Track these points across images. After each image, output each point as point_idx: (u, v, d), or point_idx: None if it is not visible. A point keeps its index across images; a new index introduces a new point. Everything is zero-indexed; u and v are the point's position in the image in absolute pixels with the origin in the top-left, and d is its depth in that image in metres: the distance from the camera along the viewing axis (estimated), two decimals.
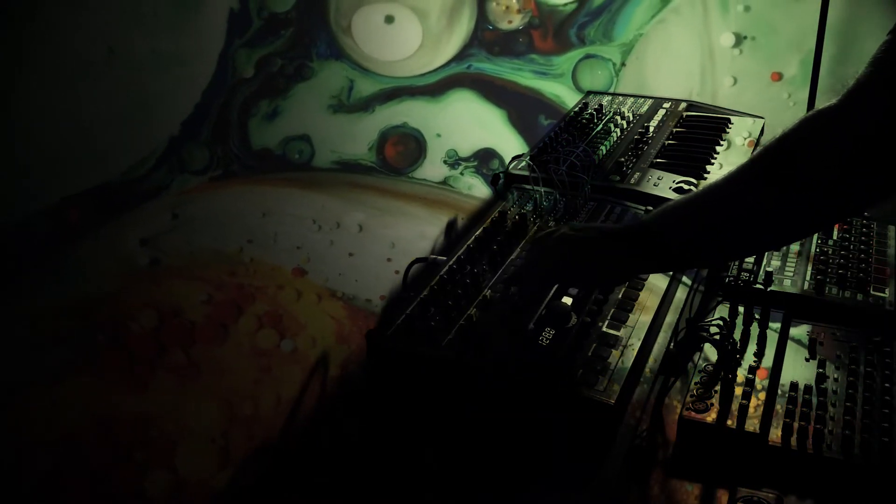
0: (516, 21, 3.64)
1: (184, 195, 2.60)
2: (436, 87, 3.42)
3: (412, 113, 3.32)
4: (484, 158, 3.34)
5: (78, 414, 2.07)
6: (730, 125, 2.94)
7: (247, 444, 2.19)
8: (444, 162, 3.29)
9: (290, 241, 2.72)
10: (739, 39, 3.76)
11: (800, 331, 2.01)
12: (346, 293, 2.65)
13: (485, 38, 3.58)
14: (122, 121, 2.43)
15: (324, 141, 3.06)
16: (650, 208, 2.23)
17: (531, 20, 3.66)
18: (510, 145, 3.42)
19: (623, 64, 3.81)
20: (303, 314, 2.57)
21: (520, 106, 3.55)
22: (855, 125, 1.55)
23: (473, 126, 3.46)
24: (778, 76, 3.73)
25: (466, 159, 3.33)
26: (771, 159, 1.64)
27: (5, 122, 2.13)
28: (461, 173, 3.29)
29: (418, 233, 2.79)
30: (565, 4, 3.71)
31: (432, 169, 3.26)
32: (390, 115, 3.27)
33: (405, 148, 3.27)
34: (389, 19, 3.34)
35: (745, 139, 2.83)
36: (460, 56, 3.52)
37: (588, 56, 3.76)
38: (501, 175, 2.50)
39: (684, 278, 2.17)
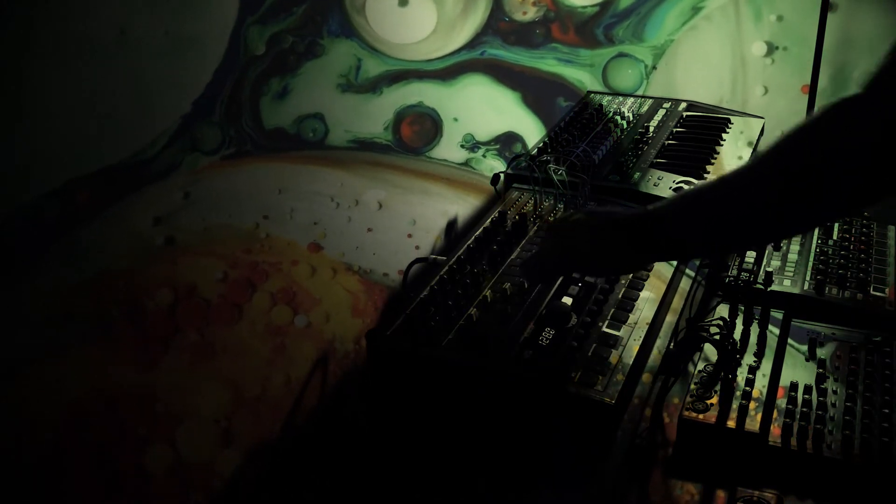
0: (531, 13, 3.63)
1: (196, 174, 2.60)
2: (446, 73, 3.41)
3: (423, 95, 3.31)
4: (506, 142, 3.32)
5: (85, 389, 2.08)
6: (730, 125, 2.94)
7: (251, 427, 2.20)
8: (461, 146, 3.28)
9: (307, 217, 2.71)
10: (772, 49, 3.72)
11: (800, 331, 2.01)
12: (363, 267, 2.64)
13: (499, 27, 3.57)
14: (133, 101, 2.43)
15: (337, 120, 3.05)
16: None
17: (546, 13, 3.64)
18: (529, 127, 3.41)
19: (654, 67, 3.79)
20: (317, 289, 2.56)
21: (536, 88, 3.53)
22: (885, 111, 1.46)
23: (489, 109, 3.45)
24: (808, 89, 3.68)
25: (486, 143, 3.32)
26: (792, 152, 1.55)
27: (15, 104, 2.14)
28: (483, 156, 3.28)
29: (441, 211, 2.78)
30: (584, 7, 3.69)
31: (449, 151, 3.26)
32: (400, 97, 3.26)
33: (421, 127, 3.26)
34: (404, 2, 3.33)
35: None
36: (472, 44, 3.50)
37: (620, 55, 3.75)
38: (501, 175, 2.51)
39: (684, 278, 2.17)
